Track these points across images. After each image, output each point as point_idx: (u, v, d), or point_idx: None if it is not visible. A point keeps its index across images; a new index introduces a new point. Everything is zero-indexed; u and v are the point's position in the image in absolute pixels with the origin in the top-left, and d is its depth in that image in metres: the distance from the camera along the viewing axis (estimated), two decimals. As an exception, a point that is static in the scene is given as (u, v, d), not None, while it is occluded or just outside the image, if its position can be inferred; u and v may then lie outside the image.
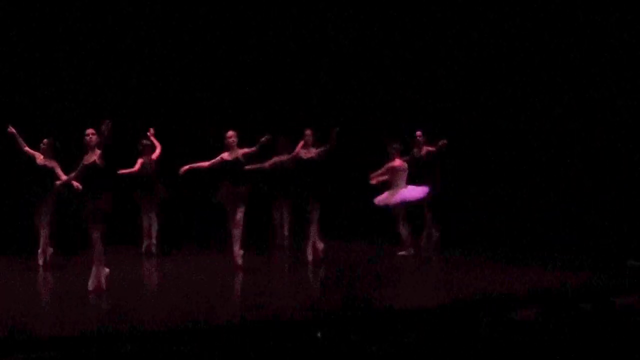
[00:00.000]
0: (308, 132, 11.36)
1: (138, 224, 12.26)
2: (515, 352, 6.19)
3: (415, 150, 12.18)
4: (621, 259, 10.75)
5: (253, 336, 7.32)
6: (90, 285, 9.31)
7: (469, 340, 6.60)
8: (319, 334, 7.07)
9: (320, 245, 11.28)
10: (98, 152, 9.24)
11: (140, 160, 12.06)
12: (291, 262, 11.97)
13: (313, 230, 11.25)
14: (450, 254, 11.97)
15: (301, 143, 11.39)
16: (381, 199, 11.74)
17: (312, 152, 11.26)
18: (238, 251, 10.81)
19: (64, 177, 10.18)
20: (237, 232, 10.75)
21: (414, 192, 11.69)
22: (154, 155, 12.10)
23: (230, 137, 10.71)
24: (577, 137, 12.47)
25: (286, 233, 12.88)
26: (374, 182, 11.73)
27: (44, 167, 10.88)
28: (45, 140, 11.02)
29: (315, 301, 9.11)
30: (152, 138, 12.17)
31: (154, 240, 12.22)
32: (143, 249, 12.23)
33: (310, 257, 11.26)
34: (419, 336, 6.75)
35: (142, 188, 12.10)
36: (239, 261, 10.79)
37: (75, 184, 9.83)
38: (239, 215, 10.70)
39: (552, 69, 12.73)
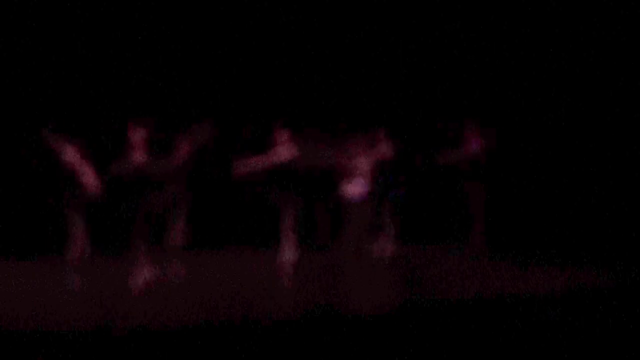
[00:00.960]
0: (374, 130, 11.27)
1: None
2: (544, 351, 6.13)
3: (461, 147, 12.03)
4: None
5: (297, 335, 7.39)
6: (136, 285, 9.30)
7: (498, 338, 6.57)
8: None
9: (392, 245, 11.16)
10: (145, 151, 9.22)
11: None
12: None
13: (384, 229, 11.11)
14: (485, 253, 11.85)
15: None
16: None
17: (383, 150, 11.20)
18: (287, 253, 10.76)
19: (91, 177, 10.07)
20: (288, 234, 10.71)
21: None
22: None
23: (281, 134, 10.67)
24: (613, 135, 12.37)
25: (326, 233, 12.84)
26: None
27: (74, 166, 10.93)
28: (75, 139, 11.04)
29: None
30: None
31: (179, 238, 12.29)
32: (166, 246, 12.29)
33: (376, 257, 11.14)
34: (448, 332, 6.74)
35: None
36: (288, 263, 10.74)
37: (96, 184, 9.83)
38: (289, 215, 10.65)
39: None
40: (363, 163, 11.66)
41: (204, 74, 14.42)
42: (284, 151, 10.62)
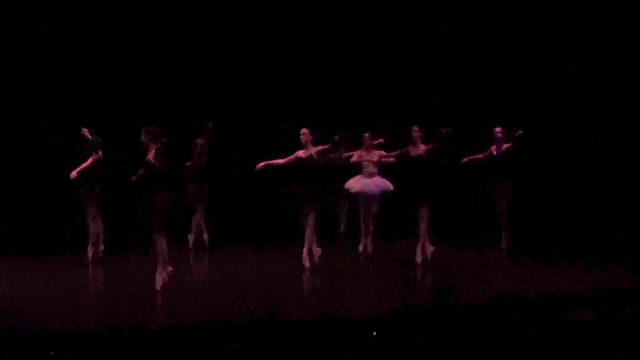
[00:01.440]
0: (415, 128, 11.06)
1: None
2: (571, 352, 6.07)
3: (493, 147, 11.90)
4: None
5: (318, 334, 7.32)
6: (158, 284, 9.29)
7: (526, 338, 6.51)
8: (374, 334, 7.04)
9: (430, 248, 11.03)
10: (154, 150, 9.20)
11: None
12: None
13: (422, 230, 10.95)
14: (510, 253, 11.77)
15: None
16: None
17: (422, 149, 10.98)
18: (308, 251, 10.66)
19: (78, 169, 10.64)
20: (309, 232, 10.61)
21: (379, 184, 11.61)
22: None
23: (304, 134, 10.60)
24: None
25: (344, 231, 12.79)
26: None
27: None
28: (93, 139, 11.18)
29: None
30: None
31: (205, 237, 12.35)
32: (191, 245, 12.36)
33: (419, 259, 10.95)
34: (475, 331, 6.69)
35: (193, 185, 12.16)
36: (308, 263, 10.64)
37: (74, 174, 10.47)
38: (312, 214, 10.56)
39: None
40: (381, 161, 11.60)
41: (223, 75, 14.47)
42: (306, 150, 10.58)
